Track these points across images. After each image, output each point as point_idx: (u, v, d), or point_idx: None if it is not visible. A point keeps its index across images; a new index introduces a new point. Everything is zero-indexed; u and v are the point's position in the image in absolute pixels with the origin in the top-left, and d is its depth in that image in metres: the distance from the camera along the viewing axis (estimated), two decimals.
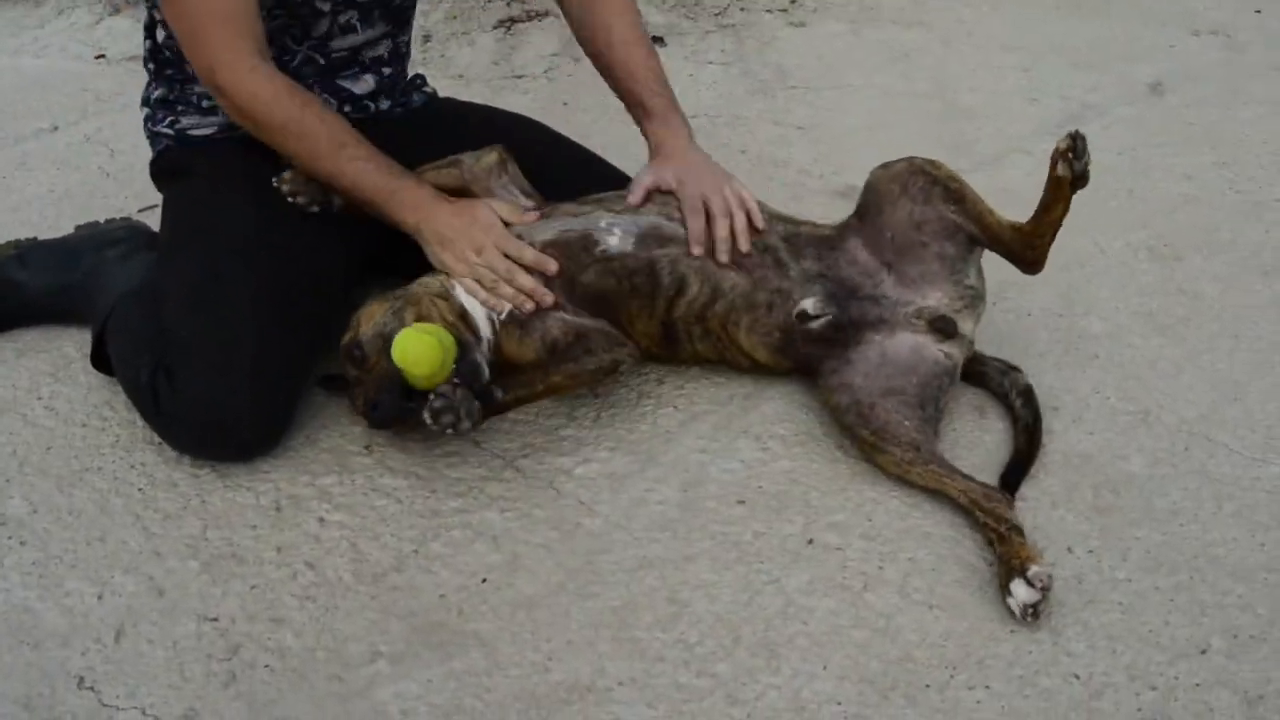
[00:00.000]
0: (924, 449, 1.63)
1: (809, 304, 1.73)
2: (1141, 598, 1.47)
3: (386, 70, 2.02)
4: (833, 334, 1.74)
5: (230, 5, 1.68)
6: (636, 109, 1.94)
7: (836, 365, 1.73)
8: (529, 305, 1.71)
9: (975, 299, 1.76)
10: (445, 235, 1.73)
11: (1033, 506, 1.61)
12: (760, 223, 1.78)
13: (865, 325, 1.73)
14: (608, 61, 1.95)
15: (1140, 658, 1.39)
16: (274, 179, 1.77)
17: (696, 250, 1.74)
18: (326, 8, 1.86)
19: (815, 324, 1.73)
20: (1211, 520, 1.59)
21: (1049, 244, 1.71)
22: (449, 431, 1.54)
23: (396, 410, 1.60)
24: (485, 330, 1.72)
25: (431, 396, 1.54)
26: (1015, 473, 1.67)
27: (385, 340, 1.61)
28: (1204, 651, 1.39)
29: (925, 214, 1.73)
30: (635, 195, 1.80)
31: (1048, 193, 1.66)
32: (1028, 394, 1.77)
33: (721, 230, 1.74)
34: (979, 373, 1.82)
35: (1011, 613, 1.43)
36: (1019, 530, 1.51)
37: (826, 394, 1.74)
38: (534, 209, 1.80)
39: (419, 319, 1.65)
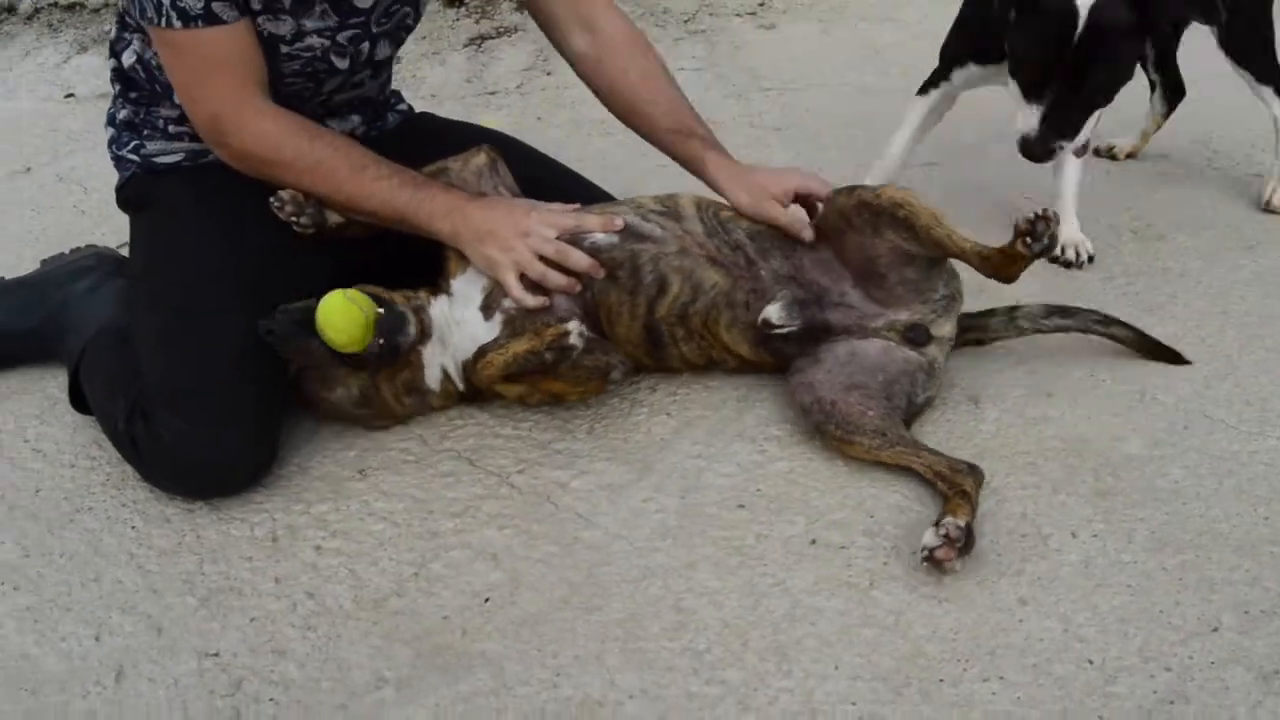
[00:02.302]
0: (890, 433, 1.63)
1: (772, 312, 1.71)
2: (1149, 578, 1.46)
3: (370, 109, 2.00)
4: (804, 336, 1.73)
5: (232, 47, 1.64)
6: (686, 138, 1.87)
7: (803, 364, 1.73)
8: (577, 287, 1.71)
9: (950, 303, 1.75)
10: (483, 229, 1.69)
11: (1033, 493, 1.61)
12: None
13: (836, 330, 1.73)
14: (635, 102, 1.89)
15: (1153, 639, 1.38)
16: (271, 200, 1.70)
17: (808, 236, 1.75)
18: (345, 65, 1.81)
19: (779, 333, 1.72)
20: (1213, 497, 1.58)
21: (1017, 276, 1.66)
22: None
23: (292, 333, 1.63)
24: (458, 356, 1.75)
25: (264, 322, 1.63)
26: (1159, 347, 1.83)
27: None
28: (1215, 629, 1.38)
29: (876, 247, 1.70)
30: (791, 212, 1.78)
31: (1009, 255, 1.61)
32: (1104, 318, 1.85)
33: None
34: (1064, 326, 1.86)
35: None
36: (964, 495, 1.53)
37: (791, 394, 1.74)
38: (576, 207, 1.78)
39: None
